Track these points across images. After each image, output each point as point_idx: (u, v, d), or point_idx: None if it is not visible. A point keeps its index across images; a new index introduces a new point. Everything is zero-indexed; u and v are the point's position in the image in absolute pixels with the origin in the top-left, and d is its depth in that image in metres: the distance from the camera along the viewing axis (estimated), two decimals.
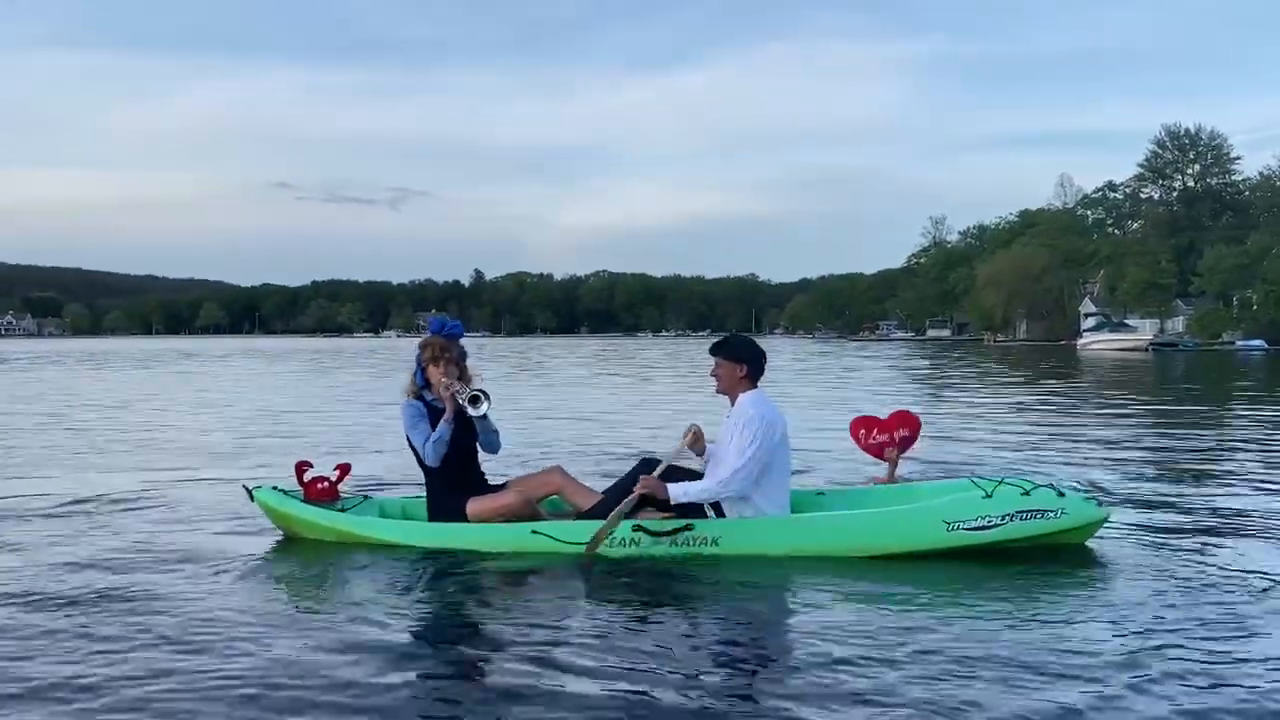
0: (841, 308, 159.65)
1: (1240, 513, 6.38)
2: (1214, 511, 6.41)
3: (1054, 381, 24.39)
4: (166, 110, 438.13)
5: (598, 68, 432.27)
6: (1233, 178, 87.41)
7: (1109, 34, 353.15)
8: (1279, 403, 16.50)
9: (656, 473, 5.10)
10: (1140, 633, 3.86)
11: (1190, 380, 25.93)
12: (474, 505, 5.34)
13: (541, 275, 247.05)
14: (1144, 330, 70.54)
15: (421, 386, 5.48)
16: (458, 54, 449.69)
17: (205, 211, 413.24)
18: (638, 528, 5.01)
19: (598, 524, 5.02)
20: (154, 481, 7.73)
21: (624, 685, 3.35)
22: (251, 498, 5.64)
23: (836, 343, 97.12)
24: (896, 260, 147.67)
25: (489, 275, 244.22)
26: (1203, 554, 5.18)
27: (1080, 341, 66.67)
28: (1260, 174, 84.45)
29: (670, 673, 3.48)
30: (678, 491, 5.02)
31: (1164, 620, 4.02)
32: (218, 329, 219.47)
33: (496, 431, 5.53)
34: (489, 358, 39.48)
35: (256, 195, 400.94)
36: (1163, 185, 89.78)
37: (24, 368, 33.46)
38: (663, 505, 5.11)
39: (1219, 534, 5.70)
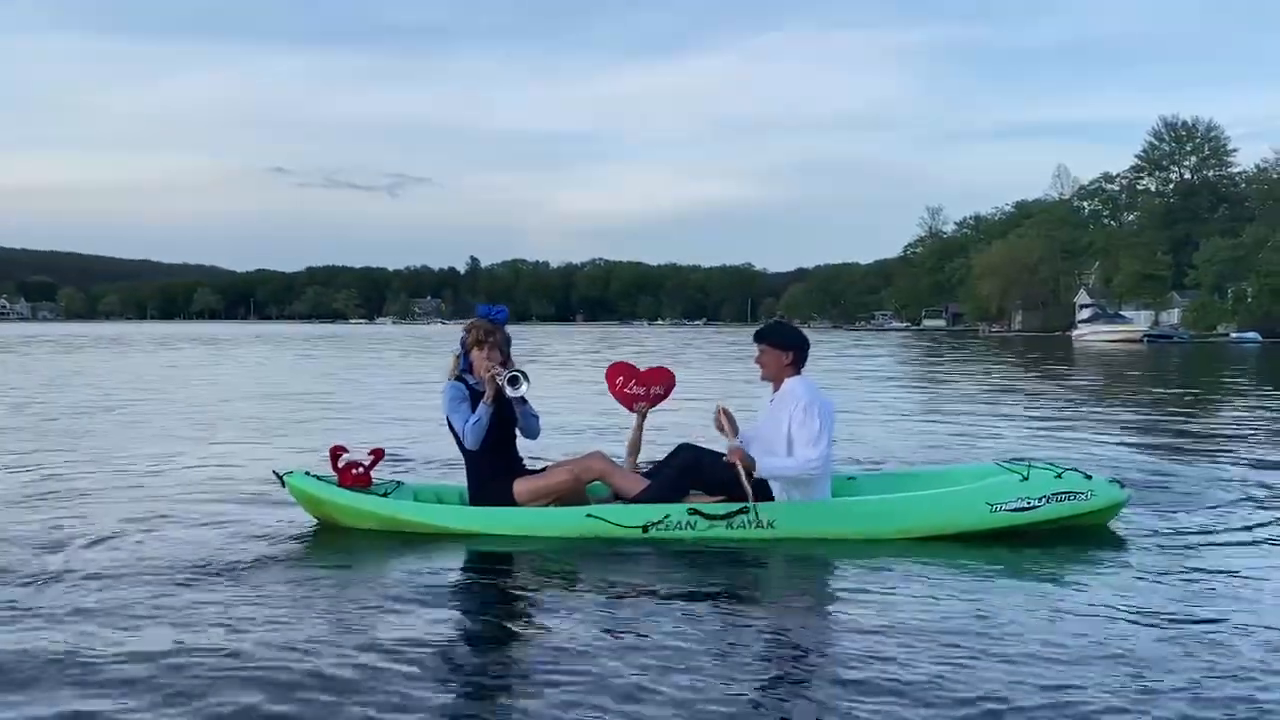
0: (837, 297, 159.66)
1: (1245, 491, 6.73)
2: (1219, 490, 6.74)
3: (1050, 372, 24.61)
4: (163, 94, 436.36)
5: (598, 54, 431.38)
6: (1229, 170, 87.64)
7: (1108, 24, 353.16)
8: (1272, 393, 16.77)
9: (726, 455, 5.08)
10: (1174, 613, 4.02)
11: (1185, 371, 26.17)
12: (522, 485, 5.34)
13: (537, 263, 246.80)
14: (1139, 322, 70.89)
15: (464, 369, 5.46)
16: (458, 39, 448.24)
17: (201, 196, 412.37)
18: (694, 511, 5.08)
19: (654, 507, 5.12)
20: (177, 466, 7.70)
21: (685, 670, 3.38)
22: (283, 483, 5.52)
23: (833, 333, 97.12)
24: (893, 250, 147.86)
25: (485, 263, 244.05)
26: (1215, 530, 5.51)
27: (1075, 333, 66.85)
28: (1256, 166, 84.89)
29: (731, 656, 3.54)
30: (767, 464, 5.05)
31: (1197, 601, 4.21)
32: (213, 314, 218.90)
33: (537, 416, 5.51)
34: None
35: (253, 180, 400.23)
36: (1159, 177, 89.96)
37: (29, 353, 33.48)
38: (714, 490, 5.23)
39: (1229, 513, 6.00)
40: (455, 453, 7.46)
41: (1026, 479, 5.29)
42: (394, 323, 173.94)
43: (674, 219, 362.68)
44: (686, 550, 4.97)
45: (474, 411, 5.30)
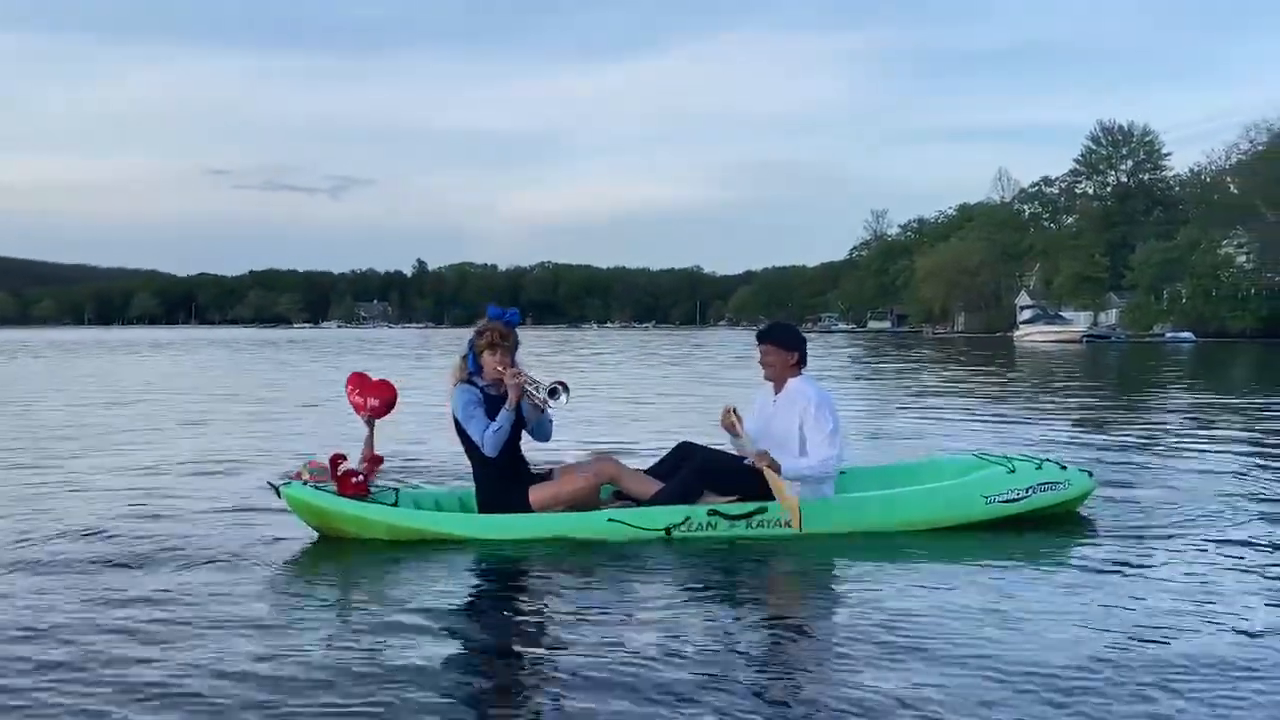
0: (784, 300, 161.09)
1: (1191, 475, 7.42)
2: (1165, 475, 7.38)
3: (994, 371, 25.27)
4: (100, 94, 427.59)
5: (545, 55, 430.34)
6: (1163, 174, 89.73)
7: (1048, 28, 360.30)
8: (1205, 389, 17.56)
9: (749, 459, 5.21)
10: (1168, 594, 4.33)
11: (1124, 369, 27.04)
12: (539, 493, 5.24)
13: (485, 266, 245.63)
14: (1078, 322, 72.57)
15: (472, 371, 5.32)
16: (402, 39, 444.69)
17: (139, 198, 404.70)
18: (713, 512, 5.15)
19: (675, 509, 5.16)
20: (160, 476, 7.48)
21: (715, 670, 3.44)
22: (278, 494, 5.33)
23: None
24: (839, 253, 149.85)
25: (432, 265, 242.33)
26: (1169, 510, 6.00)
27: (1017, 334, 68.24)
28: (1190, 170, 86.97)
29: (759, 654, 3.64)
30: (791, 466, 5.17)
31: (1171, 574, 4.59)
32: (152, 320, 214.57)
33: (551, 420, 5.43)
34: (441, 350, 39.17)
35: (193, 182, 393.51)
36: (1096, 180, 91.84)
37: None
38: (726, 490, 5.27)
39: (1176, 495, 6.54)
40: (446, 458, 7.53)
41: (1013, 471, 5.60)
42: (339, 326, 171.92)
43: (622, 221, 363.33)
44: (706, 550, 5.04)
45: (489, 417, 5.19)
